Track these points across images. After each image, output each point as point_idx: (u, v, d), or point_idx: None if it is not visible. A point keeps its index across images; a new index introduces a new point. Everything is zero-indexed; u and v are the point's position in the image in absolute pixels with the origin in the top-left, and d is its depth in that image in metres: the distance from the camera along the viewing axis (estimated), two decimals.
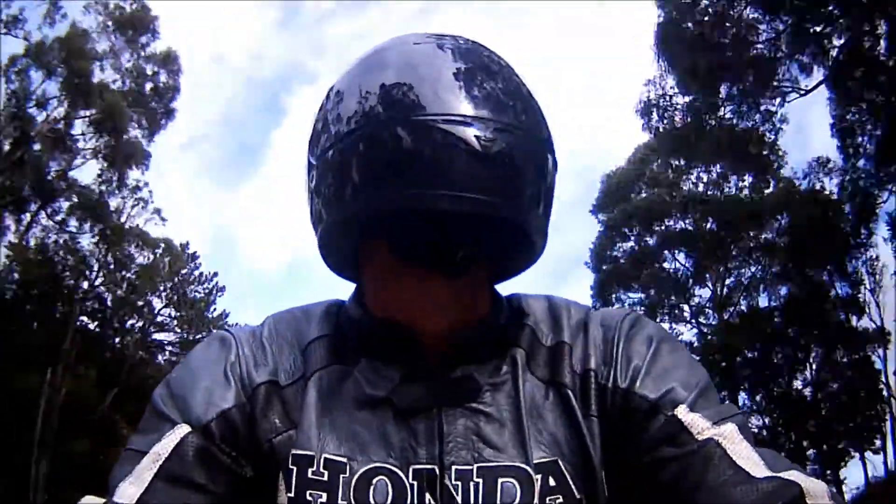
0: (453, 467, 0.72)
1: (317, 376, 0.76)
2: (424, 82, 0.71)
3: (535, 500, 0.71)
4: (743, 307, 22.62)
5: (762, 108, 17.41)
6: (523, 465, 0.72)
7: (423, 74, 0.72)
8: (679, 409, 0.72)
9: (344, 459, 0.72)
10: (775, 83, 16.53)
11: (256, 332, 0.82)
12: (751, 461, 0.68)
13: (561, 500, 0.72)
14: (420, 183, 0.69)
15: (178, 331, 22.99)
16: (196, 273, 23.30)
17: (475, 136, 0.69)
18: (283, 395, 0.76)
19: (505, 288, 0.86)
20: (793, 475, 0.66)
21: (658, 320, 16.02)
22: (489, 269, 0.82)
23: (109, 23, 19.22)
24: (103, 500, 0.70)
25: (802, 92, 16.47)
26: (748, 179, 21.91)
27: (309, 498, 0.71)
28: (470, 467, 0.72)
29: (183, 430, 0.73)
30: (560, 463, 0.73)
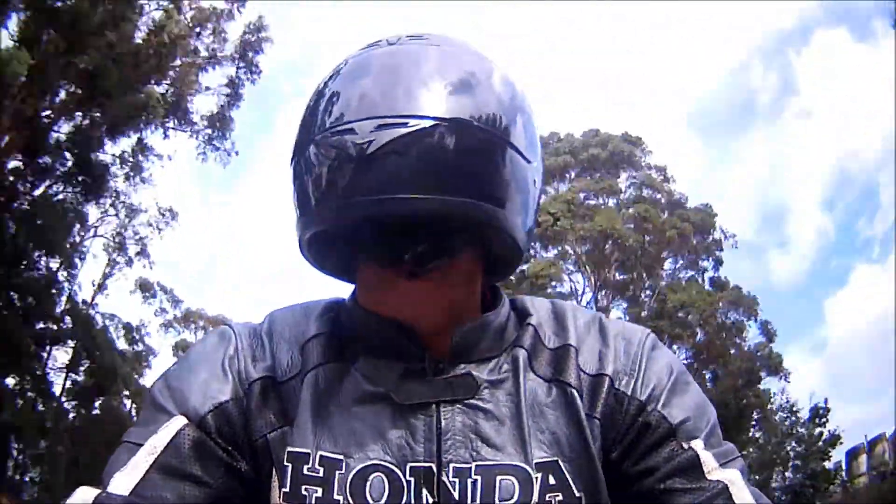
0: (451, 465, 0.71)
1: (314, 373, 0.76)
2: (332, 100, 0.73)
3: (535, 498, 0.71)
4: None
5: None
6: (523, 465, 0.72)
7: (334, 92, 0.74)
8: (695, 443, 0.75)
9: (340, 456, 0.72)
10: None
11: (257, 327, 0.82)
12: None
13: (560, 497, 0.72)
14: (320, 200, 0.72)
15: None
16: None
17: (353, 141, 0.69)
18: (279, 391, 0.76)
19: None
20: None
21: None
22: (481, 269, 0.81)
23: None
24: (98, 491, 0.70)
25: None
26: None
27: (304, 493, 0.71)
28: (468, 465, 0.72)
29: (179, 421, 0.73)
30: (560, 463, 0.73)
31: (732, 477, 0.73)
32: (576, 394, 0.76)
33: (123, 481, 0.70)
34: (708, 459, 0.74)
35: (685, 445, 0.74)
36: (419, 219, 0.70)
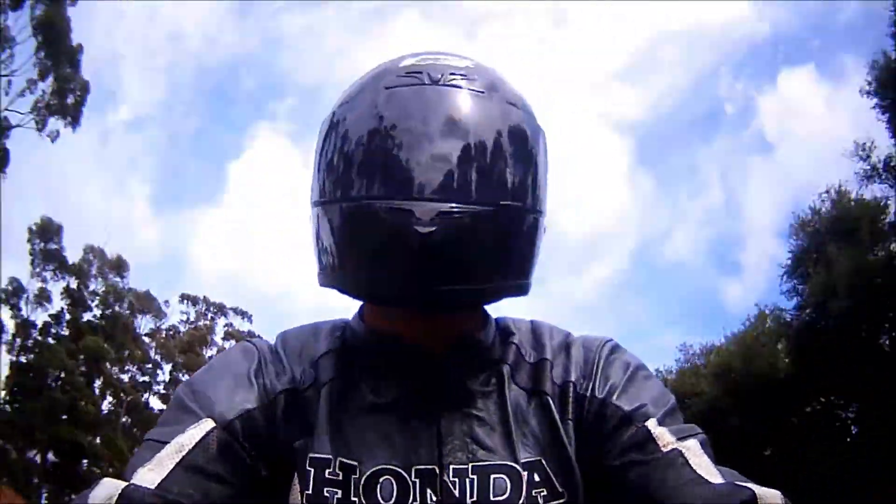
0: (451, 466, 0.80)
1: (328, 387, 0.83)
2: (374, 153, 0.74)
3: (524, 493, 0.80)
4: None
5: None
6: (512, 464, 0.81)
7: (377, 142, 0.75)
8: (649, 421, 0.81)
9: (355, 462, 0.79)
10: None
11: (272, 345, 0.88)
12: (709, 471, 0.76)
13: (545, 493, 0.81)
14: (367, 270, 0.78)
15: None
16: None
17: (414, 227, 0.71)
18: (299, 403, 0.82)
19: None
20: (748, 484, 0.73)
21: None
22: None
23: None
24: (124, 483, 0.72)
25: None
26: None
27: (326, 494, 0.78)
28: (465, 466, 0.80)
29: (208, 424, 0.77)
30: (543, 461, 0.83)
31: (690, 445, 0.79)
32: (550, 401, 0.85)
33: (149, 476, 0.73)
34: (662, 434, 0.79)
35: (639, 425, 0.81)
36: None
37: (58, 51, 17.64)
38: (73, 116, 17.84)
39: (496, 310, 0.93)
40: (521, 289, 0.83)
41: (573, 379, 0.87)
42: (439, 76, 0.78)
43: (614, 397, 0.84)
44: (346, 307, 0.92)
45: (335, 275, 0.81)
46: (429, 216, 0.72)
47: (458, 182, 0.73)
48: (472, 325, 0.89)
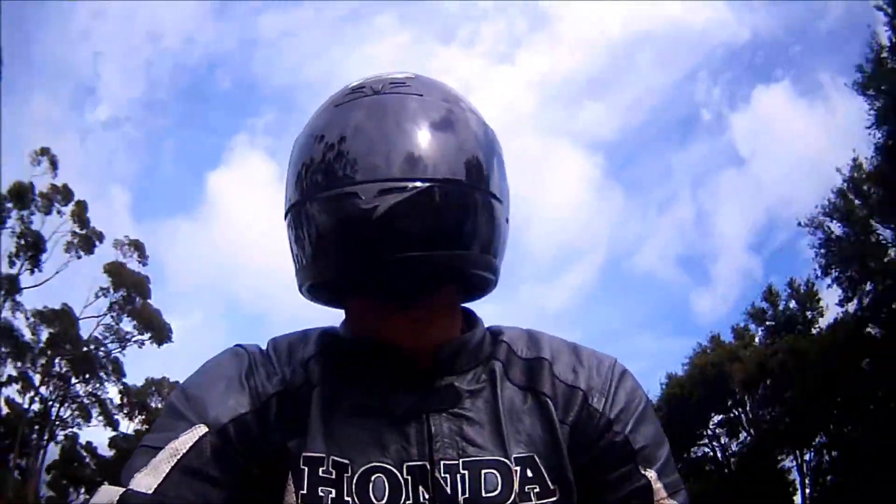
0: (441, 463, 0.81)
1: (319, 389, 0.85)
2: (328, 155, 0.80)
3: (516, 488, 0.81)
4: None
5: None
6: (503, 459, 0.82)
7: (329, 146, 0.81)
8: (651, 472, 0.86)
9: (347, 461, 0.80)
10: None
11: (263, 349, 0.90)
12: None
13: (538, 489, 0.82)
14: (324, 257, 0.81)
15: None
16: None
17: (359, 206, 0.76)
18: (291, 405, 0.84)
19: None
20: None
21: None
22: (457, 294, 0.91)
23: None
24: (121, 489, 0.74)
25: None
26: None
27: (321, 494, 0.79)
28: (456, 462, 0.81)
29: (201, 429, 0.79)
30: (536, 458, 0.83)
31: None
32: (549, 402, 0.87)
33: (145, 481, 0.75)
34: (659, 490, 0.85)
35: (642, 471, 0.85)
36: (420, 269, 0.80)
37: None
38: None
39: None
40: (481, 263, 0.84)
41: (583, 387, 0.88)
42: (380, 87, 0.85)
43: (627, 428, 0.87)
44: (322, 318, 0.91)
45: (304, 272, 0.85)
46: (371, 194, 0.77)
47: (397, 163, 0.79)
48: (455, 325, 0.91)
